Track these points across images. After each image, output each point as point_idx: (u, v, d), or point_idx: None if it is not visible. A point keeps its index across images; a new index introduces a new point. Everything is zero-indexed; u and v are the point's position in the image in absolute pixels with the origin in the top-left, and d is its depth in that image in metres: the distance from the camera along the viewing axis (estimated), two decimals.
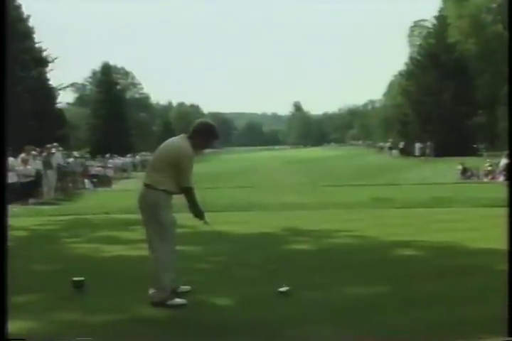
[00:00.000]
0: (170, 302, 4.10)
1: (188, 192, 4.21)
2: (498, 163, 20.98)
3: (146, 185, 4.19)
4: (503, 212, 3.64)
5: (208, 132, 4.28)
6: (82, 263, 5.77)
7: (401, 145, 46.19)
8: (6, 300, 2.88)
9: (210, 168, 34.86)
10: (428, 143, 40.05)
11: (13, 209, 10.31)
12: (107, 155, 32.19)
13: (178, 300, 4.14)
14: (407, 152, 43.29)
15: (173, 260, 4.20)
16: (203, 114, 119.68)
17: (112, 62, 61.26)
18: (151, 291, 4.17)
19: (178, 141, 4.24)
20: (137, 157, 39.93)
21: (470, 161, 24.39)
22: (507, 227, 3.19)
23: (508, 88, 3.24)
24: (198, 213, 4.35)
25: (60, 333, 3.51)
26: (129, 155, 38.81)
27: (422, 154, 39.93)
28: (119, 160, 33.45)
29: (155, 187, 4.12)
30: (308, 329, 3.54)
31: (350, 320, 3.73)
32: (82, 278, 4.60)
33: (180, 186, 4.16)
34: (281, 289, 4.34)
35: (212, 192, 15.72)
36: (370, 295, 4.29)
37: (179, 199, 4.31)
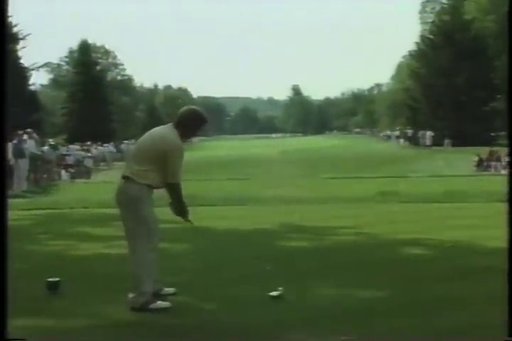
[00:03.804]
0: (152, 306, 4.09)
1: (173, 188, 4.19)
2: None
3: (126, 178, 4.15)
4: None
5: (197, 121, 4.29)
6: (58, 262, 5.77)
7: (409, 133, 46.30)
8: (6, 300, 2.92)
9: (201, 157, 34.80)
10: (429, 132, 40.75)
11: None
12: (88, 143, 32.12)
13: (161, 303, 4.12)
14: (416, 141, 43.43)
15: (155, 260, 4.17)
16: (192, 99, 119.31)
17: (90, 40, 60.85)
18: (130, 296, 4.14)
19: (166, 132, 4.22)
20: (122, 145, 39.78)
21: (487, 151, 24.44)
22: (507, 225, 3.21)
23: (508, 86, 3.26)
24: (182, 211, 4.32)
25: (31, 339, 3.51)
26: (110, 143, 38.70)
27: (433, 143, 40.18)
28: (97, 150, 33.33)
29: (136, 180, 4.09)
30: (303, 335, 3.55)
31: (349, 325, 3.74)
32: (58, 279, 4.60)
33: (166, 181, 4.13)
34: (273, 293, 4.27)
35: (204, 184, 15.72)
36: (375, 299, 4.31)
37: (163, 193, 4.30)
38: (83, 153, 27.36)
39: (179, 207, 4.30)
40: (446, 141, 38.83)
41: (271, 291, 4.37)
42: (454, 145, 38.25)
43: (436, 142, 40.32)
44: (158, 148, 4.10)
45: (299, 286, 4.65)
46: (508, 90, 3.27)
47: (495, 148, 22.58)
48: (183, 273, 5.18)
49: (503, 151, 22.20)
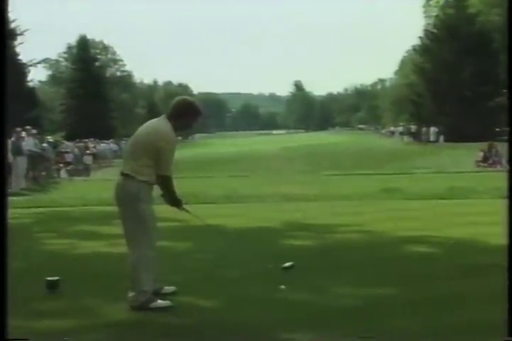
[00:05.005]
0: (152, 304, 4.09)
1: (165, 181, 4.19)
2: None
3: (125, 175, 4.16)
4: None
5: (192, 112, 4.25)
6: (57, 261, 5.78)
7: (413, 129, 46.25)
8: (6, 300, 2.94)
9: (201, 154, 34.86)
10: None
11: None
12: (91, 140, 32.18)
13: (161, 302, 4.13)
14: (420, 137, 43.38)
15: (154, 258, 4.18)
16: (192, 95, 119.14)
17: (89, 36, 60.83)
18: (130, 294, 4.15)
19: (157, 124, 4.21)
20: (122, 142, 39.75)
21: (486, 146, 24.31)
22: (507, 222, 3.21)
23: (508, 86, 3.27)
24: (175, 201, 4.32)
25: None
26: (110, 140, 38.73)
27: (438, 139, 40.23)
28: (100, 146, 33.38)
29: (135, 177, 4.10)
30: (304, 334, 3.55)
31: (352, 323, 3.75)
32: (57, 278, 4.60)
33: (157, 174, 4.13)
34: (286, 265, 4.42)
35: (205, 182, 15.75)
36: (378, 297, 4.31)
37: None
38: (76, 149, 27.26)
39: (171, 197, 4.30)
40: (441, 137, 39.17)
41: (273, 290, 4.38)
42: (448, 140, 38.29)
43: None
44: (151, 141, 4.09)
45: (302, 285, 4.65)
46: (509, 87, 3.27)
47: (494, 143, 22.54)
48: (184, 271, 5.18)
49: (502, 146, 22.11)
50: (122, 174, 4.19)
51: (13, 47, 38.00)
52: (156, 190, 4.28)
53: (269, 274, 4.97)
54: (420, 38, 50.11)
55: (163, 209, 4.49)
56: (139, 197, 4.09)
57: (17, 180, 15.28)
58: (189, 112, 4.24)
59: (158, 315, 3.96)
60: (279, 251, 6.08)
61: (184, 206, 4.40)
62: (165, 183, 4.21)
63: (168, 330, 3.73)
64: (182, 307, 4.14)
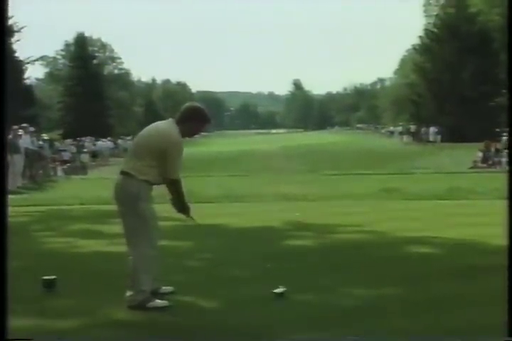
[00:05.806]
0: (150, 304, 4.09)
1: (173, 184, 4.19)
2: None
3: (125, 174, 4.15)
4: None
5: (199, 118, 4.26)
6: (55, 260, 5.77)
7: (413, 129, 46.32)
8: (6, 300, 2.95)
9: (200, 153, 34.85)
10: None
11: None
12: (88, 138, 32.18)
13: (159, 302, 4.13)
14: (419, 137, 43.44)
15: (155, 258, 4.17)
16: (191, 93, 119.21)
17: (87, 33, 60.79)
18: (128, 294, 4.14)
19: (166, 127, 4.21)
20: (119, 141, 39.84)
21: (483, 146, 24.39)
22: (507, 223, 3.22)
23: (508, 86, 3.27)
24: (184, 208, 4.34)
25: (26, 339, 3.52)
26: (107, 139, 38.73)
27: (437, 139, 40.37)
28: (96, 145, 33.38)
29: (135, 176, 4.09)
30: (304, 334, 3.56)
31: (353, 324, 3.75)
32: (54, 277, 4.60)
33: (165, 177, 4.14)
34: (277, 290, 4.32)
35: (203, 181, 15.73)
36: (377, 298, 4.32)
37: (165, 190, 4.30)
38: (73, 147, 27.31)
39: (180, 203, 4.31)
40: (438, 137, 39.44)
41: (273, 290, 4.38)
42: (448, 140, 38.33)
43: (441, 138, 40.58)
44: (158, 143, 4.09)
45: (302, 285, 4.66)
46: (509, 87, 3.27)
47: (492, 142, 22.67)
48: (183, 271, 5.18)
49: (501, 144, 22.15)
50: (122, 173, 4.18)
51: (10, 44, 37.99)
52: (156, 191, 4.27)
53: (269, 274, 4.97)
54: (420, 37, 50.20)
55: (164, 209, 4.49)
56: (139, 196, 4.09)
57: (14, 178, 15.26)
58: (196, 117, 4.24)
59: (158, 315, 3.96)
60: (279, 251, 6.09)
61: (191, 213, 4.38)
62: (173, 187, 4.21)
63: (167, 330, 3.73)
64: (182, 307, 4.14)
